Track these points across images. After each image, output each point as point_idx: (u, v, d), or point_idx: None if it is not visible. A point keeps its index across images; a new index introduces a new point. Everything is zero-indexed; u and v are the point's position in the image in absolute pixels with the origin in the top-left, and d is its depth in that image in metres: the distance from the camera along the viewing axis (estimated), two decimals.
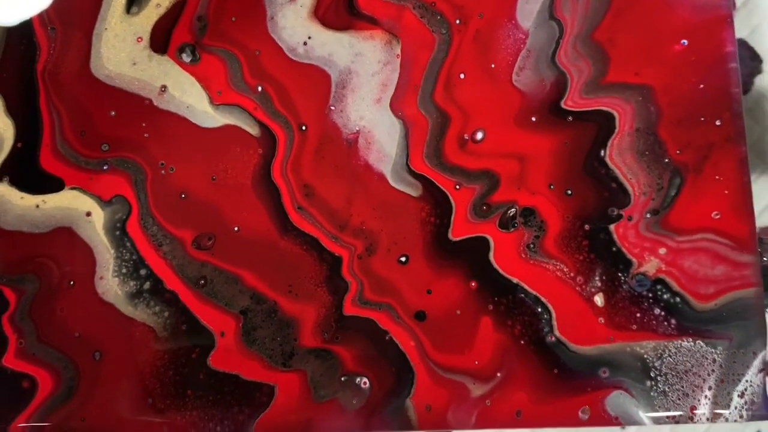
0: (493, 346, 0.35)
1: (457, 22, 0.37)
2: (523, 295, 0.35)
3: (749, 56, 0.58)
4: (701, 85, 0.37)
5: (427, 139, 0.37)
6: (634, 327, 0.35)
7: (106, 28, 0.37)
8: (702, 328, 0.35)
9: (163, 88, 0.37)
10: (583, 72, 0.37)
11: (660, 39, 0.37)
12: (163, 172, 0.36)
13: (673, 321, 0.35)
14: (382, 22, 0.37)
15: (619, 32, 0.37)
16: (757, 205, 0.55)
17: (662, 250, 0.36)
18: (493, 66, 0.37)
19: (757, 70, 0.59)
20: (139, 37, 0.37)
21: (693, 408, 0.34)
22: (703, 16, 0.37)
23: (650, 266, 0.36)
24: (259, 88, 0.37)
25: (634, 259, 0.36)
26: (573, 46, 0.37)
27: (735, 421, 0.34)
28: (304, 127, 0.37)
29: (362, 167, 0.37)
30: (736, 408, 0.34)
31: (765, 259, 0.41)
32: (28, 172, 0.36)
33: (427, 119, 0.37)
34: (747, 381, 0.35)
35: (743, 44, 0.59)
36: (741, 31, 0.56)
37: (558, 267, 0.36)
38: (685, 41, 0.37)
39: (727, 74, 0.37)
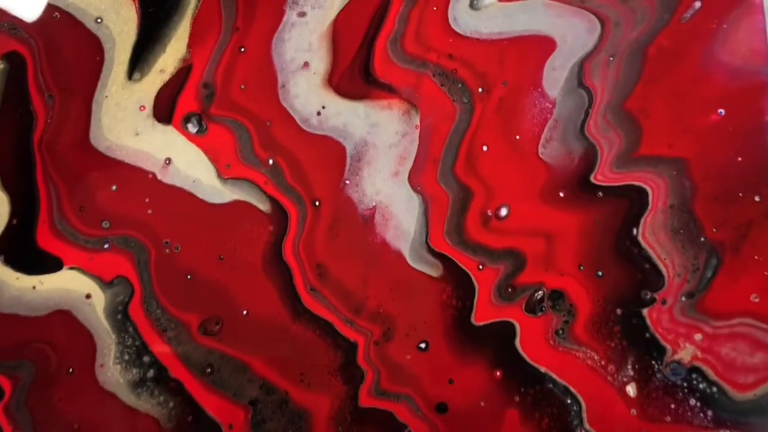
0: None
1: (480, 90, 0.36)
2: (551, 385, 0.34)
3: None
4: (739, 158, 0.36)
5: (448, 216, 0.36)
6: (668, 419, 0.34)
7: (106, 96, 0.36)
8: (741, 419, 0.34)
9: (168, 161, 0.35)
10: (614, 144, 0.36)
11: (695, 108, 0.36)
12: (167, 251, 0.35)
13: (709, 412, 0.34)
14: (400, 91, 0.36)
15: (652, 101, 0.36)
16: None
17: (698, 336, 0.35)
18: (517, 137, 0.36)
19: None
20: (142, 106, 0.36)
21: None
22: (741, 82, 0.36)
23: (685, 353, 0.35)
24: (270, 161, 0.36)
25: (668, 346, 0.35)
26: (603, 116, 0.36)
27: None
28: (317, 203, 0.35)
29: (379, 245, 0.35)
30: None
31: None
32: (25, 251, 0.35)
33: (448, 194, 0.36)
34: None
35: None
36: None
37: (588, 354, 0.34)
38: (722, 110, 0.36)
39: (766, 146, 0.35)
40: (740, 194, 0.36)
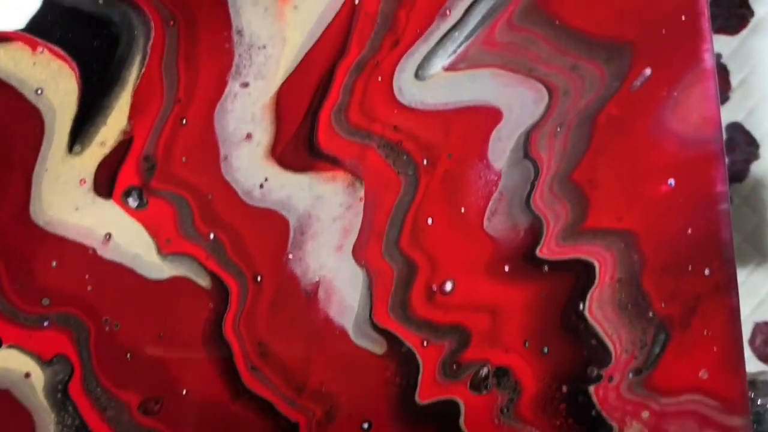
0: None
1: (425, 162, 0.36)
2: None
3: (745, 141, 0.58)
4: (689, 230, 0.36)
5: (393, 290, 0.36)
6: None
7: (47, 169, 0.36)
8: None
9: (108, 236, 0.36)
10: (561, 217, 0.36)
11: (645, 178, 0.37)
12: (107, 328, 0.35)
13: None
14: (344, 163, 0.36)
15: (600, 172, 0.37)
16: (753, 299, 0.54)
17: (645, 414, 0.35)
18: (463, 210, 0.36)
19: (753, 155, 0.58)
20: (83, 179, 0.36)
21: None
22: (692, 151, 0.37)
23: (632, 431, 0.35)
24: (211, 236, 0.36)
25: (615, 424, 0.35)
26: (549, 188, 0.36)
27: None
28: (259, 278, 0.36)
29: (322, 321, 0.36)
30: None
31: (759, 402, 0.39)
32: None
33: (393, 268, 0.36)
34: None
35: (739, 128, 0.58)
36: (737, 113, 0.56)
37: None
38: (672, 181, 0.36)
39: (717, 217, 0.36)
40: (689, 267, 0.37)
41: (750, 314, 0.55)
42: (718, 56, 0.58)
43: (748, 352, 0.55)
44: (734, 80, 0.58)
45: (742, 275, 0.55)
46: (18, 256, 0.38)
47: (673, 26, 0.39)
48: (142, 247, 0.38)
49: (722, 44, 0.57)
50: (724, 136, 0.56)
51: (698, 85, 0.38)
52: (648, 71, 0.38)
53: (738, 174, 0.56)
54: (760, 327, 0.55)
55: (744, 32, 0.58)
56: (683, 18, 0.39)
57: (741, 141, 0.56)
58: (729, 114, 0.56)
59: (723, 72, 0.57)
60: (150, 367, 0.37)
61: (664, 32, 0.39)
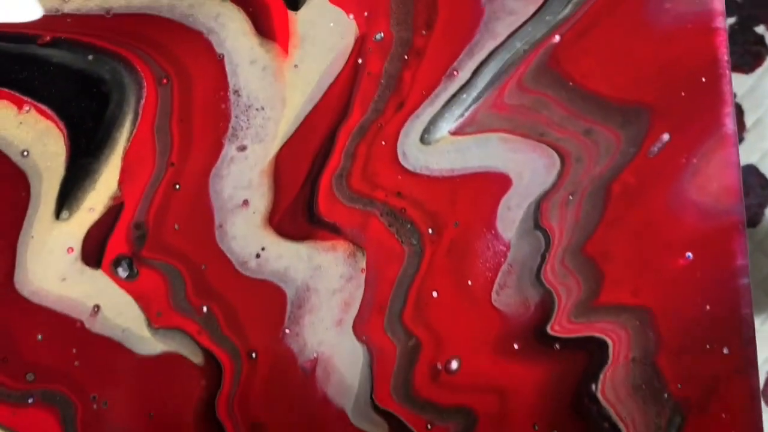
0: None
1: (430, 231, 0.35)
2: None
3: (759, 184, 0.56)
4: (707, 307, 0.35)
5: (395, 369, 0.35)
6: None
7: (32, 236, 0.35)
8: None
9: (96, 309, 0.34)
10: (573, 291, 0.34)
11: (661, 252, 0.35)
12: (95, 406, 0.34)
13: None
14: (345, 231, 0.35)
15: (614, 244, 0.35)
16: (767, 348, 0.52)
17: None
18: (470, 283, 0.35)
19: (767, 199, 0.56)
20: (70, 248, 0.35)
21: None
22: (711, 223, 0.35)
23: None
24: (205, 309, 0.34)
25: None
26: (561, 261, 0.34)
27: None
28: (254, 354, 0.34)
29: (320, 402, 0.34)
30: None
31: None
32: None
33: (395, 345, 0.35)
34: None
35: (753, 171, 0.57)
36: (751, 155, 0.54)
37: None
38: (690, 254, 0.35)
39: (737, 293, 0.35)
40: (707, 346, 0.35)
41: (763, 363, 0.53)
42: (733, 95, 0.56)
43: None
44: (749, 120, 0.56)
45: (756, 323, 0.53)
46: (2, 329, 0.36)
47: (693, 89, 0.37)
48: (132, 321, 0.36)
49: (737, 83, 0.56)
50: None
51: (719, 151, 0.37)
52: (666, 136, 0.37)
53: (752, 219, 0.55)
54: None
55: (759, 70, 0.57)
56: (703, 80, 0.37)
57: (755, 184, 0.54)
58: (743, 156, 0.55)
59: (738, 112, 0.56)
60: None
61: (683, 95, 0.37)
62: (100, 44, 0.38)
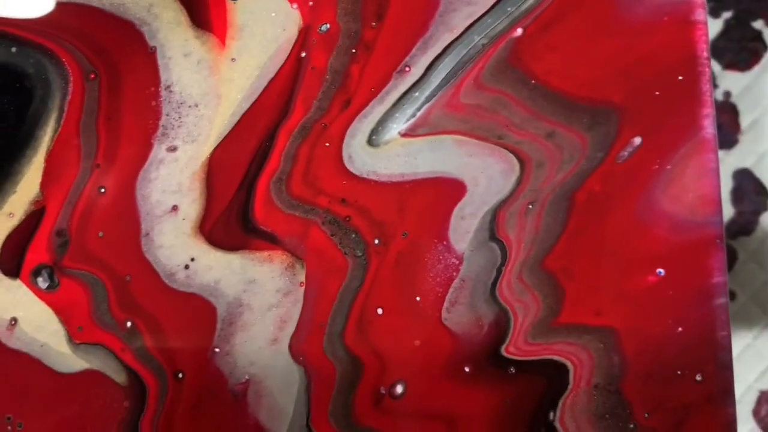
0: None
1: (376, 242, 0.32)
2: None
3: (754, 190, 0.53)
4: (679, 328, 0.32)
5: (334, 393, 0.33)
6: None
7: None
8: None
9: (13, 322, 0.33)
10: (530, 310, 0.32)
11: (629, 267, 0.33)
12: (9, 428, 0.33)
13: None
14: (283, 241, 0.33)
15: (577, 259, 0.33)
16: (759, 366, 0.50)
17: None
18: (418, 299, 0.32)
19: (763, 206, 0.53)
20: None
21: None
22: (685, 237, 0.32)
23: None
24: (129, 324, 0.32)
25: None
26: (518, 276, 0.32)
27: None
28: (180, 375, 0.32)
29: (251, 428, 0.33)
30: None
31: None
32: None
33: (335, 366, 0.33)
34: None
35: (748, 175, 0.53)
36: (746, 159, 0.51)
37: None
38: (661, 270, 0.32)
39: (712, 314, 0.32)
40: (679, 372, 0.33)
41: (755, 381, 0.50)
42: (727, 94, 0.53)
43: (751, 424, 0.51)
44: (744, 122, 0.53)
45: (748, 338, 0.51)
46: None
47: (668, 88, 0.34)
48: (51, 335, 0.34)
49: (732, 81, 0.53)
50: (731, 184, 0.52)
51: (695, 157, 0.34)
52: (637, 140, 0.34)
53: (745, 227, 0.52)
54: (766, 396, 0.50)
55: (756, 69, 0.54)
56: (680, 78, 0.34)
57: (750, 190, 0.51)
58: (737, 159, 0.52)
59: (732, 112, 0.53)
60: None
61: (657, 94, 0.34)
62: (25, 36, 0.35)
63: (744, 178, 0.52)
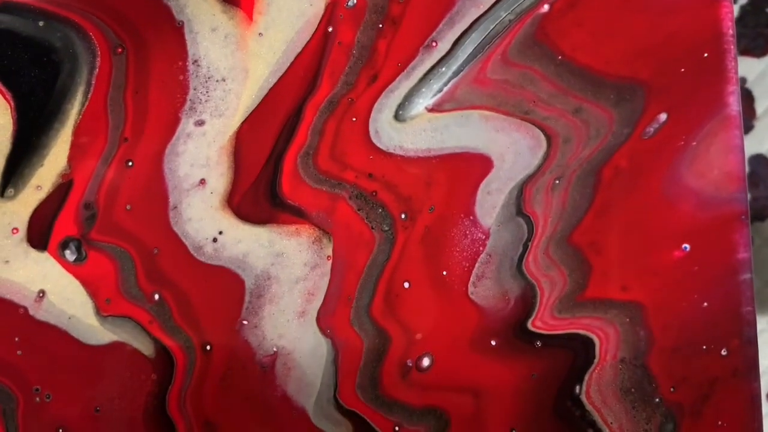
0: None
1: (403, 216, 0.33)
2: None
3: None
4: (705, 303, 0.33)
5: (361, 365, 0.33)
6: None
7: None
8: None
9: (41, 294, 0.33)
10: (557, 284, 0.32)
11: (655, 243, 0.33)
12: (37, 399, 0.33)
13: None
14: (310, 215, 0.33)
15: (604, 234, 0.33)
16: None
17: None
18: (445, 273, 0.33)
19: None
20: (15, 228, 0.33)
21: None
22: (711, 212, 0.33)
23: None
24: (156, 296, 0.33)
25: None
26: (544, 251, 0.32)
27: None
28: (208, 347, 0.33)
29: (279, 399, 0.32)
30: None
31: None
32: None
33: (362, 339, 0.33)
34: None
35: (763, 161, 0.54)
36: (761, 144, 0.52)
37: None
38: (687, 246, 0.32)
39: (737, 289, 0.33)
40: (704, 347, 0.33)
41: None
42: (743, 80, 0.53)
43: (766, 407, 0.51)
44: (759, 107, 0.54)
45: (762, 323, 0.51)
46: None
47: (694, 65, 0.35)
48: (79, 308, 0.34)
49: (747, 67, 0.53)
50: (747, 168, 0.52)
51: (721, 134, 0.34)
52: (663, 116, 0.34)
53: (761, 212, 0.52)
54: None
55: None
56: (705, 55, 0.35)
57: (765, 175, 0.52)
58: (753, 145, 0.52)
59: (747, 98, 0.53)
60: None
61: (683, 71, 0.34)
62: (52, 9, 0.36)
63: (759, 163, 0.53)
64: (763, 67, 0.53)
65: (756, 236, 0.50)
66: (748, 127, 0.53)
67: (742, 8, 0.54)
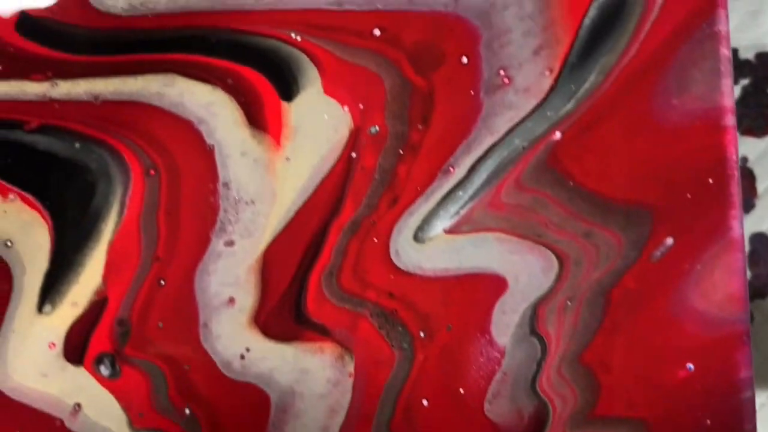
0: None
1: (422, 335, 0.34)
2: None
3: None
4: (708, 421, 0.34)
5: None
6: None
7: (14, 330, 0.35)
8: None
9: (77, 407, 0.34)
10: (569, 402, 0.34)
11: (661, 362, 0.35)
12: None
13: None
14: (333, 333, 0.35)
15: (613, 354, 0.35)
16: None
17: None
18: (462, 391, 0.34)
19: None
20: (52, 343, 0.35)
21: None
22: (714, 333, 0.35)
23: None
24: (187, 411, 0.34)
25: None
26: (557, 370, 0.34)
27: None
28: None
29: None
30: None
31: None
32: None
33: None
34: None
35: (764, 240, 0.56)
36: (762, 223, 0.54)
37: None
38: (691, 365, 0.34)
39: (739, 407, 0.34)
40: None
41: None
42: (744, 160, 0.55)
43: None
44: (760, 186, 0.56)
45: (762, 397, 0.53)
46: None
47: (699, 190, 0.36)
48: (114, 420, 0.36)
49: (748, 147, 0.55)
50: (748, 247, 0.54)
51: (724, 257, 0.36)
52: (670, 240, 0.36)
53: (761, 290, 0.54)
54: None
55: None
56: (710, 181, 0.36)
57: (766, 254, 0.53)
58: (754, 223, 0.54)
59: (749, 177, 0.55)
60: None
61: (688, 196, 0.36)
62: (88, 132, 0.38)
63: (760, 242, 0.54)
64: (764, 146, 0.55)
65: (757, 313, 0.52)
66: (749, 206, 0.55)
67: (744, 89, 0.56)
